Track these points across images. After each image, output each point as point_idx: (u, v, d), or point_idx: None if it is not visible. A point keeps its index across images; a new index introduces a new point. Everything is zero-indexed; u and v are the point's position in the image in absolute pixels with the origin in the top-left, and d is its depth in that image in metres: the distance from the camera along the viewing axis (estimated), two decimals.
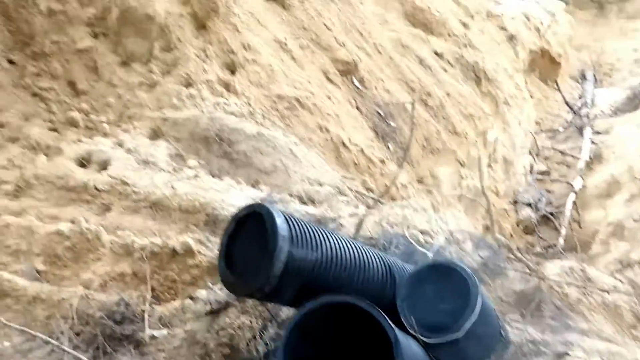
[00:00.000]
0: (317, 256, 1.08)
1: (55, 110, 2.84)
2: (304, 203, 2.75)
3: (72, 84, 3.01)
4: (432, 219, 1.84)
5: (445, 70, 5.50)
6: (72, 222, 1.95)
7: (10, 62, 2.99)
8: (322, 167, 3.11)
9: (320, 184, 2.89)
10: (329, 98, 3.85)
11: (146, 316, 1.43)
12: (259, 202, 1.38)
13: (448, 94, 5.08)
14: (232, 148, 2.85)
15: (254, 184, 2.77)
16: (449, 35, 6.18)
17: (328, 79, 4.02)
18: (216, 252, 1.88)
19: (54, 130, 2.71)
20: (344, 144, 3.54)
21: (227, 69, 3.37)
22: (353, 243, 1.22)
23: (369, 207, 2.80)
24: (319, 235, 1.13)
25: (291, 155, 2.97)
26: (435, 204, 4.01)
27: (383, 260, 1.31)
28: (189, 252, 1.83)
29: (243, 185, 2.64)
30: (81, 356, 1.25)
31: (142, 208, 2.18)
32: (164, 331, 1.37)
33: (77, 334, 1.39)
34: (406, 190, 3.71)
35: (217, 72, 3.29)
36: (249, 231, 1.12)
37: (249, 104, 3.29)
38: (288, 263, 1.03)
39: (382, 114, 4.20)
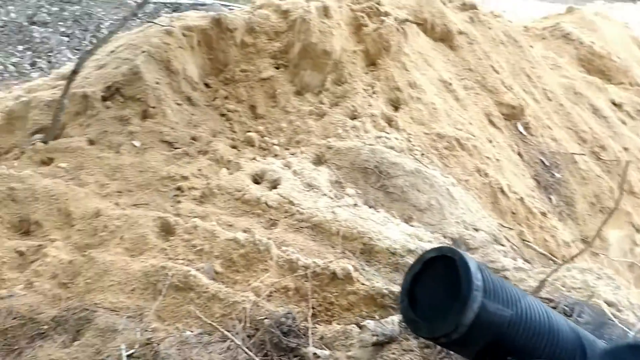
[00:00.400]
0: (511, 314, 1.02)
1: (237, 130, 3.19)
2: (458, 247, 2.64)
3: (253, 108, 3.36)
4: (620, 290, 1.62)
5: (624, 123, 4.94)
6: (245, 231, 2.14)
7: (207, 85, 3.45)
8: (478, 211, 2.97)
9: (476, 229, 2.76)
10: (490, 141, 3.70)
11: (309, 333, 1.48)
12: (449, 245, 1.36)
13: (626, 149, 4.54)
14: (390, 181, 2.89)
15: (407, 220, 2.76)
16: (631, 84, 5.56)
17: (491, 122, 3.88)
18: (374, 282, 1.90)
19: (235, 147, 3.03)
20: (502, 191, 3.35)
21: (391, 105, 3.46)
22: (544, 306, 1.13)
23: (527, 262, 2.59)
24: (512, 292, 1.06)
25: (448, 195, 2.90)
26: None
27: (573, 329, 1.18)
28: (348, 277, 1.87)
29: (398, 219, 2.65)
30: (255, 357, 1.35)
31: (305, 228, 2.31)
32: (327, 352, 1.41)
33: (249, 337, 1.50)
34: (568, 249, 3.36)
35: (382, 107, 3.39)
36: (435, 274, 1.10)
37: (409, 140, 3.32)
38: (480, 314, 0.98)
39: (546, 163, 3.90)
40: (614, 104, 5.19)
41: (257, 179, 2.65)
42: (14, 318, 1.64)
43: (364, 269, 2.04)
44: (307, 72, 3.44)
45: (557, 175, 3.86)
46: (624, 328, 1.33)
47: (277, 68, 3.55)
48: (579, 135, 4.37)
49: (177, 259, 1.96)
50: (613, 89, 5.36)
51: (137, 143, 2.78)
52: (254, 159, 2.90)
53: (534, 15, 7.18)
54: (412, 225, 2.70)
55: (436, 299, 1.14)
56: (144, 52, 3.23)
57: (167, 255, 1.99)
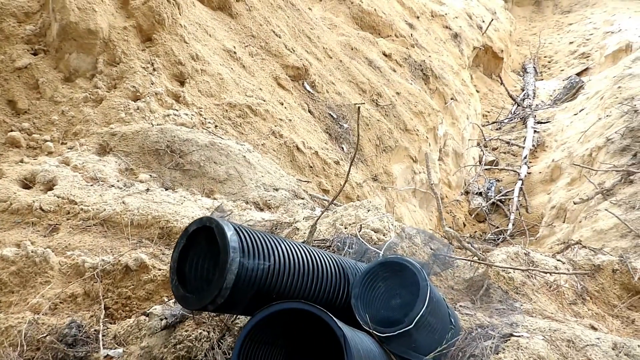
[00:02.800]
0: (269, 265, 1.10)
1: None
2: (261, 209, 2.75)
3: (12, 103, 2.91)
4: (385, 217, 1.89)
5: (394, 71, 5.65)
6: (17, 245, 1.89)
7: None
8: (277, 172, 3.12)
9: (276, 189, 2.91)
10: (281, 104, 3.88)
11: (100, 336, 1.40)
12: (209, 215, 1.38)
13: (398, 93, 5.21)
14: (185, 159, 2.83)
15: (209, 194, 2.76)
16: (397, 36, 6.35)
17: (279, 84, 4.05)
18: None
19: None
20: (298, 148, 3.57)
21: (176, 80, 3.34)
22: (305, 248, 1.25)
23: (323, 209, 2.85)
24: (270, 244, 1.15)
25: (245, 162, 2.97)
26: (390, 201, 4.11)
27: (336, 263, 1.34)
28: (143, 267, 1.80)
29: (198, 195, 2.62)
30: None
31: (92, 226, 2.13)
32: (120, 350, 1.36)
33: None
34: (361, 189, 3.78)
35: (166, 84, 3.25)
36: (201, 245, 1.13)
37: (201, 114, 3.27)
38: (240, 274, 1.04)
39: (334, 116, 4.26)
40: (385, 54, 5.88)
41: (27, 184, 2.33)
42: None
43: (163, 254, 1.99)
44: (72, 56, 3.09)
45: (345, 125, 4.26)
46: (378, 250, 1.56)
47: (35, 54, 3.10)
48: (359, 86, 4.86)
49: None
50: (383, 42, 6.05)
51: None
52: (20, 161, 2.53)
53: None
54: (214, 198, 2.71)
55: (204, 270, 1.17)
56: None
57: None
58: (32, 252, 1.79)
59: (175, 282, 1.13)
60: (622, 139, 4.60)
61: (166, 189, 2.59)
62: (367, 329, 1.31)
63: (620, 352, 1.48)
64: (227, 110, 3.43)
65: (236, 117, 3.43)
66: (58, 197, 2.21)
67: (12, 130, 2.76)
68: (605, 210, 3.76)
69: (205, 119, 3.24)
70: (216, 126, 3.25)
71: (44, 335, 1.44)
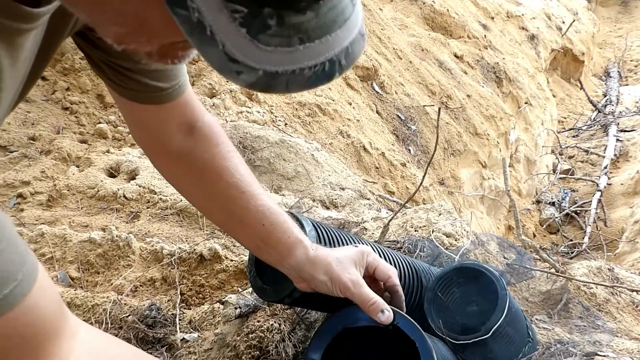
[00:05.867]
0: None
1: (85, 123, 2.94)
2: (327, 207, 2.77)
3: (100, 97, 3.11)
4: (457, 221, 1.83)
5: (466, 73, 5.48)
6: (103, 230, 2.02)
7: (43, 78, 3.11)
8: (343, 171, 3.13)
9: (342, 188, 2.91)
10: (350, 104, 3.88)
11: (177, 320, 1.46)
12: (288, 209, 1.41)
13: (469, 96, 5.06)
14: (256, 155, 2.90)
15: (277, 190, 2.81)
16: (469, 37, 6.16)
17: (348, 84, 4.05)
18: (243, 256, 1.92)
19: (84, 142, 2.80)
20: (364, 149, 3.56)
21: None
22: (380, 248, 1.24)
23: (391, 210, 2.81)
24: (346, 242, 1.15)
25: (313, 160, 3.00)
26: (457, 206, 3.99)
27: (409, 264, 1.32)
28: (216, 257, 1.86)
29: (267, 191, 2.68)
30: None
31: (170, 215, 2.24)
32: (195, 334, 1.41)
33: None
34: (428, 193, 3.70)
35: None
36: None
37: (271, 112, 3.34)
38: None
39: (402, 117, 4.20)
40: (456, 56, 5.73)
41: (112, 173, 2.49)
42: None
43: (234, 245, 2.05)
44: None
45: (413, 127, 4.19)
46: (453, 255, 1.51)
47: None
48: (429, 88, 4.76)
49: None
50: (454, 43, 5.90)
51: None
52: (107, 151, 2.70)
53: None
54: (282, 195, 2.75)
55: None
56: None
57: None
58: (116, 236, 1.90)
59: (253, 273, 1.15)
60: None
61: None
62: (440, 334, 1.28)
63: None
64: (296, 109, 3.48)
65: (305, 115, 3.47)
66: (139, 187, 2.34)
67: (100, 123, 2.95)
68: None
69: (275, 116, 3.31)
70: (286, 124, 3.31)
71: (127, 315, 1.53)
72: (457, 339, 1.24)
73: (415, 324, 0.98)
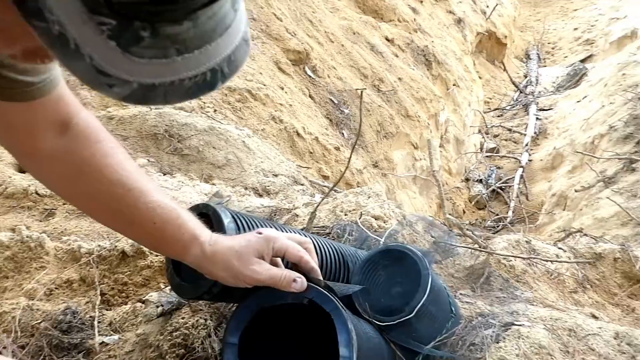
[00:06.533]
0: None
1: None
2: (260, 195, 2.72)
3: None
4: (386, 204, 1.86)
5: (397, 56, 5.58)
6: (13, 230, 1.86)
7: None
8: (276, 157, 3.09)
9: (275, 175, 2.87)
10: (282, 88, 3.83)
11: (95, 323, 1.38)
12: (206, 201, 1.35)
13: (400, 79, 5.16)
14: (183, 144, 2.79)
15: (207, 179, 2.73)
16: (399, 20, 6.26)
17: (280, 69, 3.99)
18: None
19: None
20: (298, 134, 3.53)
21: None
22: (304, 235, 1.22)
23: (323, 195, 2.81)
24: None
25: (244, 147, 2.94)
26: (390, 187, 4.08)
27: (335, 250, 1.31)
28: (139, 253, 1.77)
29: (196, 181, 2.59)
30: None
31: None
32: (115, 336, 1.33)
33: (22, 347, 1.33)
34: (362, 176, 3.75)
35: None
36: None
37: (200, 98, 3.23)
38: None
39: (335, 101, 4.21)
40: (387, 39, 5.80)
41: (21, 168, 2.30)
42: None
43: None
44: None
45: (346, 111, 4.21)
46: (379, 238, 1.53)
47: None
48: (361, 71, 4.80)
49: None
50: (385, 26, 5.97)
51: None
52: None
53: None
54: (212, 184, 2.67)
55: None
56: None
57: None
58: (27, 236, 1.76)
59: (170, 270, 1.09)
60: (625, 126, 4.55)
61: (164, 174, 2.55)
62: (367, 317, 1.29)
63: (622, 342, 1.46)
64: (226, 95, 3.39)
65: (236, 101, 3.38)
66: None
67: None
68: (607, 198, 3.73)
69: (204, 102, 3.20)
70: (215, 110, 3.21)
71: (39, 321, 1.42)
72: (382, 320, 1.26)
73: (330, 295, 0.97)
